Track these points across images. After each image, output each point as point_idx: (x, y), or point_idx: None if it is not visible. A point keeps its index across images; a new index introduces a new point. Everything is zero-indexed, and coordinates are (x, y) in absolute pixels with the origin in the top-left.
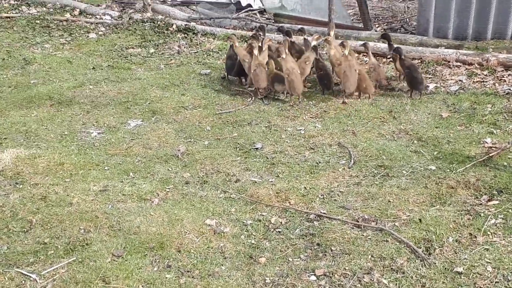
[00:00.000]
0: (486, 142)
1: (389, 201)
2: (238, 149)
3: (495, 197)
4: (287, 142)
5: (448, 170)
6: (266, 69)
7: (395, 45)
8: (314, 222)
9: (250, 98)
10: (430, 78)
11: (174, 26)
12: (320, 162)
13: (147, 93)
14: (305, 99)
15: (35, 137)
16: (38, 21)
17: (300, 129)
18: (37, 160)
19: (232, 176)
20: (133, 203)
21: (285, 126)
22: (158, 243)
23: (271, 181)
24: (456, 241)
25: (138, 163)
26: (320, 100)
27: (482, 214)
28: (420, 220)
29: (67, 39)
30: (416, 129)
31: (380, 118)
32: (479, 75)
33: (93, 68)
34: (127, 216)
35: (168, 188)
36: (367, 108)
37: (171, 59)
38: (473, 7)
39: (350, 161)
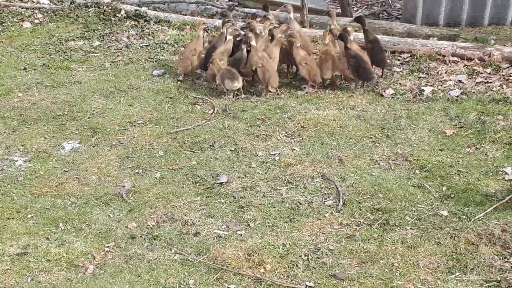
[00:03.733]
0: (507, 173)
1: (393, 265)
2: (197, 184)
3: None
4: (258, 173)
5: (465, 217)
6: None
7: (339, 31)
8: None
9: (212, 110)
10: (424, 78)
11: (122, 12)
12: (301, 203)
13: (88, 103)
14: (278, 110)
15: None
16: None
17: (274, 154)
18: None
19: (190, 226)
20: (60, 272)
21: (255, 149)
22: None
23: (240, 234)
24: None
25: (71, 207)
26: (296, 111)
27: None
28: None
29: None
30: (417, 154)
31: (371, 137)
32: (481, 73)
33: (25, 68)
34: None
35: (108, 247)
36: (354, 123)
37: (118, 55)
38: None
39: (339, 201)
